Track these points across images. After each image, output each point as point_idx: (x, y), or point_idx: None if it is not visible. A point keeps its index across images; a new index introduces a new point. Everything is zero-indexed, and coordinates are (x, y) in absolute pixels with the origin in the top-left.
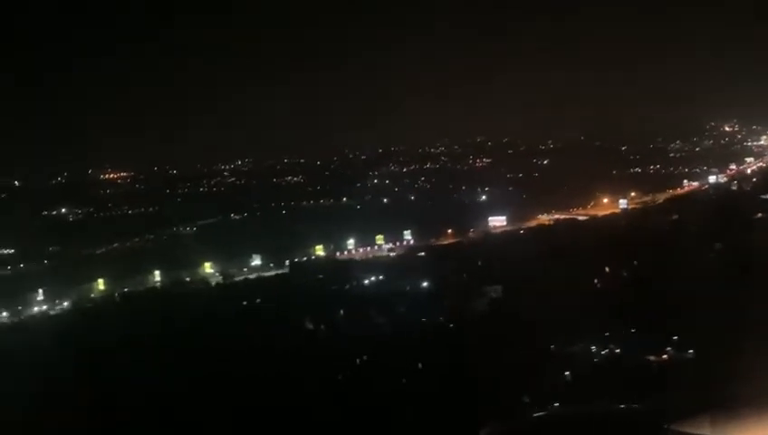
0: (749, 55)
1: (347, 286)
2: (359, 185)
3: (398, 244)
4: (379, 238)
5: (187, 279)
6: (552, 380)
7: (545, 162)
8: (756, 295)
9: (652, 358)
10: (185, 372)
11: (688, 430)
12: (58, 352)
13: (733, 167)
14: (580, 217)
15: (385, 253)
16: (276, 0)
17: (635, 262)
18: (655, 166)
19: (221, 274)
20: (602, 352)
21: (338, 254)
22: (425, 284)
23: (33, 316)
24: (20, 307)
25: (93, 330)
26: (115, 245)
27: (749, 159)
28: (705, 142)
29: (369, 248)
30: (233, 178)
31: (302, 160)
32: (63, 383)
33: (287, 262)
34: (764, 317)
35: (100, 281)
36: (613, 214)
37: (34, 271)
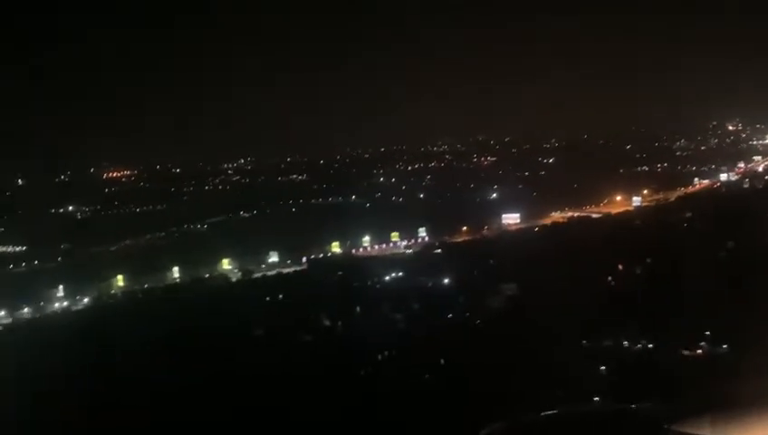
0: (749, 55)
1: (369, 283)
2: (365, 183)
3: (412, 241)
4: (395, 235)
5: (206, 276)
6: (589, 375)
7: (550, 160)
8: None
9: (686, 352)
10: (220, 366)
11: (689, 430)
12: (94, 346)
13: (741, 165)
14: (595, 215)
15: (402, 250)
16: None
17: (656, 258)
18: (662, 164)
19: (240, 270)
20: (635, 348)
21: (353, 251)
22: (447, 280)
23: (56, 312)
24: (42, 303)
25: (124, 325)
26: (127, 242)
27: (757, 158)
28: (711, 141)
29: (384, 245)
30: (237, 177)
31: (305, 159)
32: (107, 375)
33: (303, 259)
34: None
35: (120, 277)
36: (627, 211)
37: (49, 268)
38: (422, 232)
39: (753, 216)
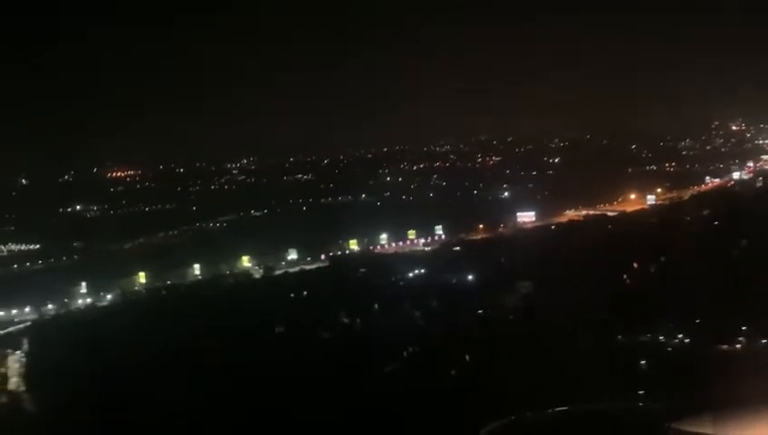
0: (750, 55)
1: (393, 279)
2: (372, 182)
3: (429, 239)
4: (411, 233)
5: (227, 272)
6: (629, 369)
7: (556, 160)
8: None
9: (725, 347)
10: (254, 362)
11: (690, 428)
12: (130, 341)
13: (750, 164)
14: (610, 213)
15: (420, 247)
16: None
17: (679, 255)
18: (670, 164)
19: (261, 267)
20: (673, 342)
21: (370, 248)
22: (471, 277)
23: (81, 309)
24: (66, 300)
25: (154, 321)
26: (141, 240)
27: (765, 157)
28: (716, 141)
29: (401, 243)
30: (243, 176)
31: (308, 159)
32: (146, 369)
33: (322, 256)
34: None
35: (141, 274)
36: (642, 210)
37: (65, 266)
38: (438, 230)
39: None
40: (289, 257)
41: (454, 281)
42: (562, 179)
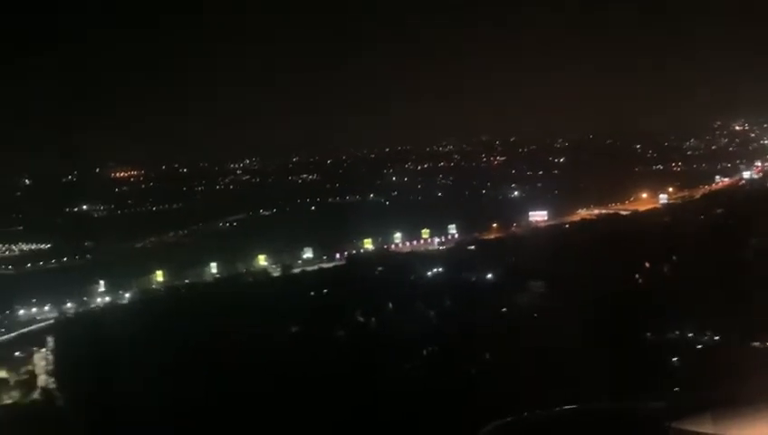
0: (750, 55)
1: (412, 277)
2: (378, 182)
3: (443, 238)
4: (425, 232)
5: (245, 271)
6: (660, 366)
7: (561, 160)
8: None
9: (757, 344)
10: (279, 360)
11: (690, 427)
12: (155, 338)
13: (758, 164)
14: (623, 212)
15: (435, 246)
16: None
17: (699, 253)
18: (677, 163)
19: (279, 265)
20: (702, 340)
21: (385, 247)
22: (489, 275)
23: (100, 307)
24: (85, 298)
25: (176, 319)
26: (152, 239)
27: None
28: (721, 141)
29: (416, 242)
30: (247, 176)
31: (312, 160)
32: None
33: (337, 254)
34: None
35: (159, 273)
36: (655, 209)
37: (78, 265)
38: (452, 229)
39: None
40: (305, 256)
41: (473, 279)
42: (571, 179)
